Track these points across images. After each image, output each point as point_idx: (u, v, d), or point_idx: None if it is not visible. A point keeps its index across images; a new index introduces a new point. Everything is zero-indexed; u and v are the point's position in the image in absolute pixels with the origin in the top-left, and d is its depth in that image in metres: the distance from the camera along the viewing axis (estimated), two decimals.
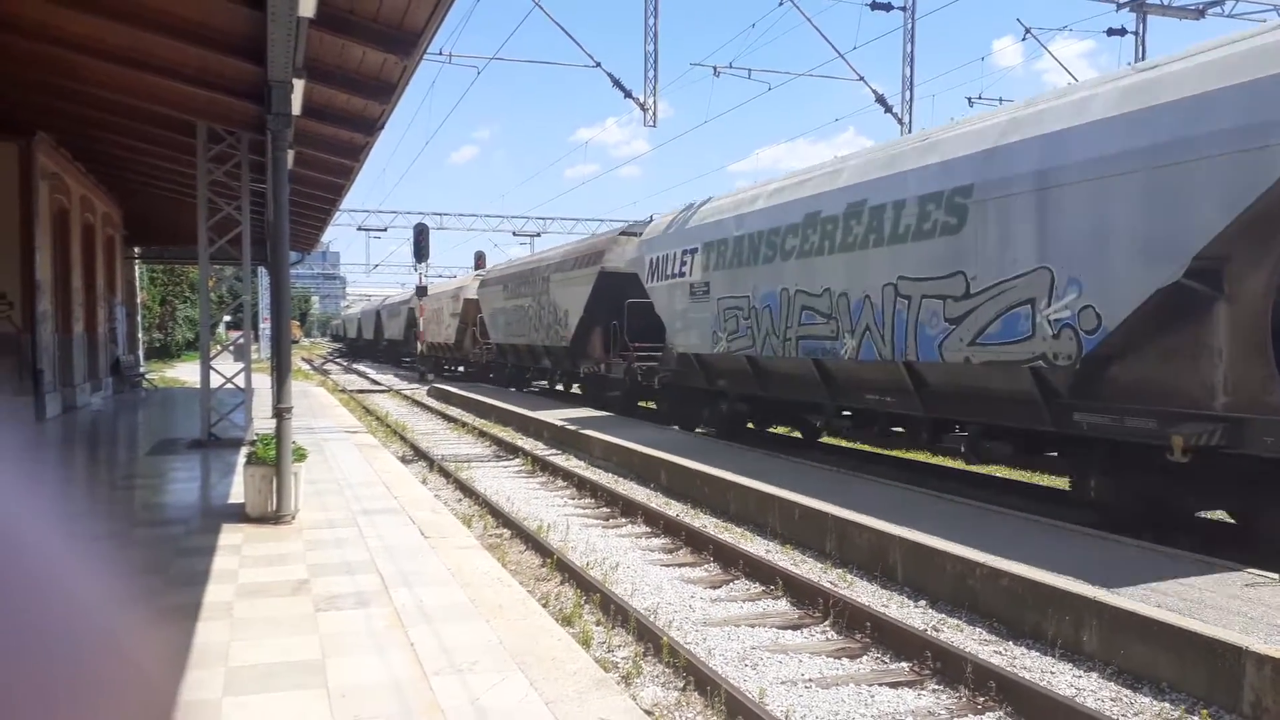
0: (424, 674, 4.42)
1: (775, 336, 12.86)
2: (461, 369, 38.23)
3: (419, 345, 40.25)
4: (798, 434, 16.16)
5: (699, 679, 5.44)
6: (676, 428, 16.62)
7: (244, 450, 11.56)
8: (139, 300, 31.55)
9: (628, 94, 18.94)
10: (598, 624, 6.63)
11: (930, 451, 13.53)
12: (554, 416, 18.32)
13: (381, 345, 56.62)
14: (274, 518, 7.75)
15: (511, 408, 20.70)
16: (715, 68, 21.23)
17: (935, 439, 11.27)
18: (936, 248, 9.78)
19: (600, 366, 20.13)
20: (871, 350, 10.83)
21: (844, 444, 16.01)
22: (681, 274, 15.62)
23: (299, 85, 8.27)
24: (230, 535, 7.31)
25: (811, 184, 12.48)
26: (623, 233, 20.60)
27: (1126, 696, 5.30)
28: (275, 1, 6.38)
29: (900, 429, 12.57)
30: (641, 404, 20.28)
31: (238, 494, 8.83)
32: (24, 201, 14.86)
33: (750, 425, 15.97)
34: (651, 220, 18.91)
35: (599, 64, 19.32)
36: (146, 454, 12.06)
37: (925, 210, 9.91)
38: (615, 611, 6.71)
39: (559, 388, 26.92)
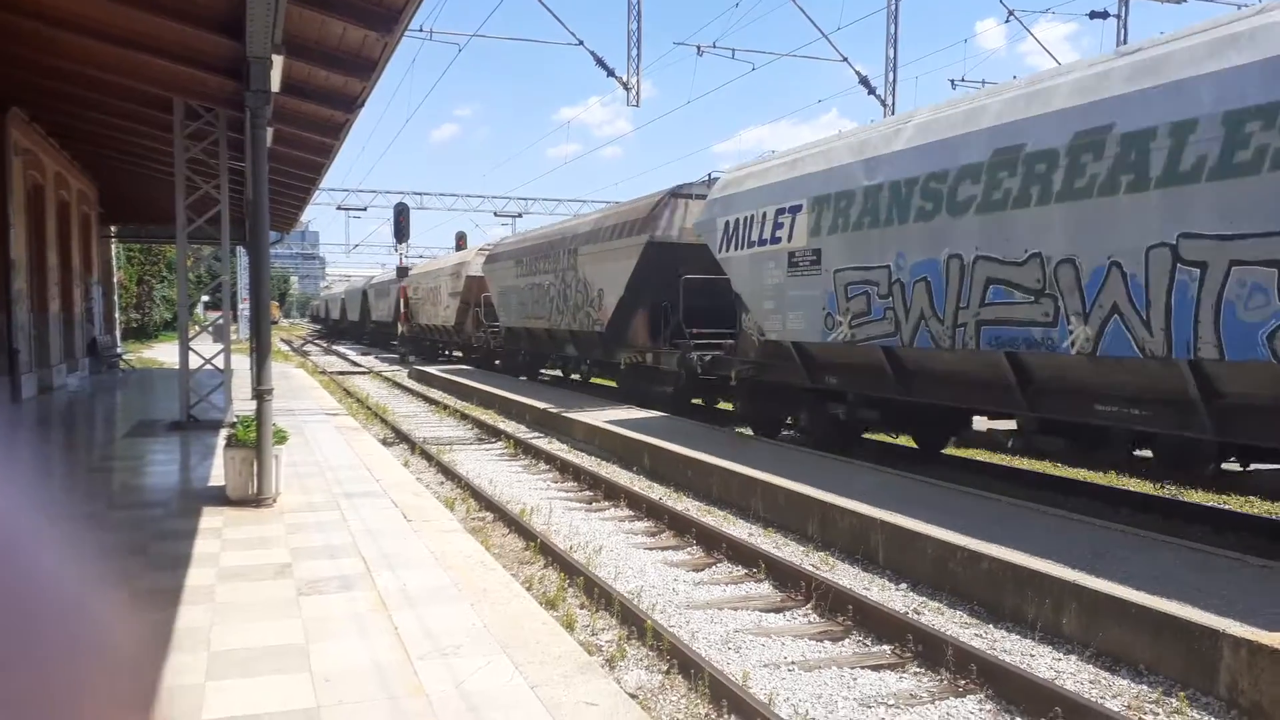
0: (408, 658, 4.41)
1: (937, 321, 9.61)
2: (459, 354, 35.07)
3: (400, 327, 39.63)
4: (913, 444, 12.94)
5: (683, 662, 5.45)
6: (750, 432, 14.09)
7: (224, 432, 11.47)
8: (115, 279, 31.17)
9: (610, 72, 18.82)
10: (581, 607, 6.63)
11: (1218, 491, 10.47)
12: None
13: (368, 327, 53.73)
14: (255, 500, 7.70)
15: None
16: (699, 47, 21.12)
17: (1220, 472, 8.74)
18: (1261, 189, 6.60)
19: (645, 356, 17.04)
20: (1124, 342, 7.69)
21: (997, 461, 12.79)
22: (775, 239, 12.24)
23: (278, 61, 8.14)
24: (211, 518, 7.25)
25: (1000, 107, 9.09)
26: (674, 193, 17.05)
27: (1105, 679, 5.36)
28: None
29: (1147, 452, 9.70)
30: (696, 401, 17.36)
31: (218, 476, 8.76)
32: None
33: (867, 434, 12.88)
34: (713, 179, 15.55)
35: (581, 42, 19.20)
36: (125, 435, 11.94)
37: (1239, 132, 6.74)
38: (599, 595, 6.72)
39: (574, 377, 23.92)
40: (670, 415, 15.45)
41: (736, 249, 13.28)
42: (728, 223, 13.49)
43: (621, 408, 16.75)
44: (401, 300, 38.61)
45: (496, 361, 28.60)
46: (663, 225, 16.84)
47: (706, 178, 16.39)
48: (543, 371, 26.02)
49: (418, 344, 38.60)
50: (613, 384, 20.77)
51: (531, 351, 24.62)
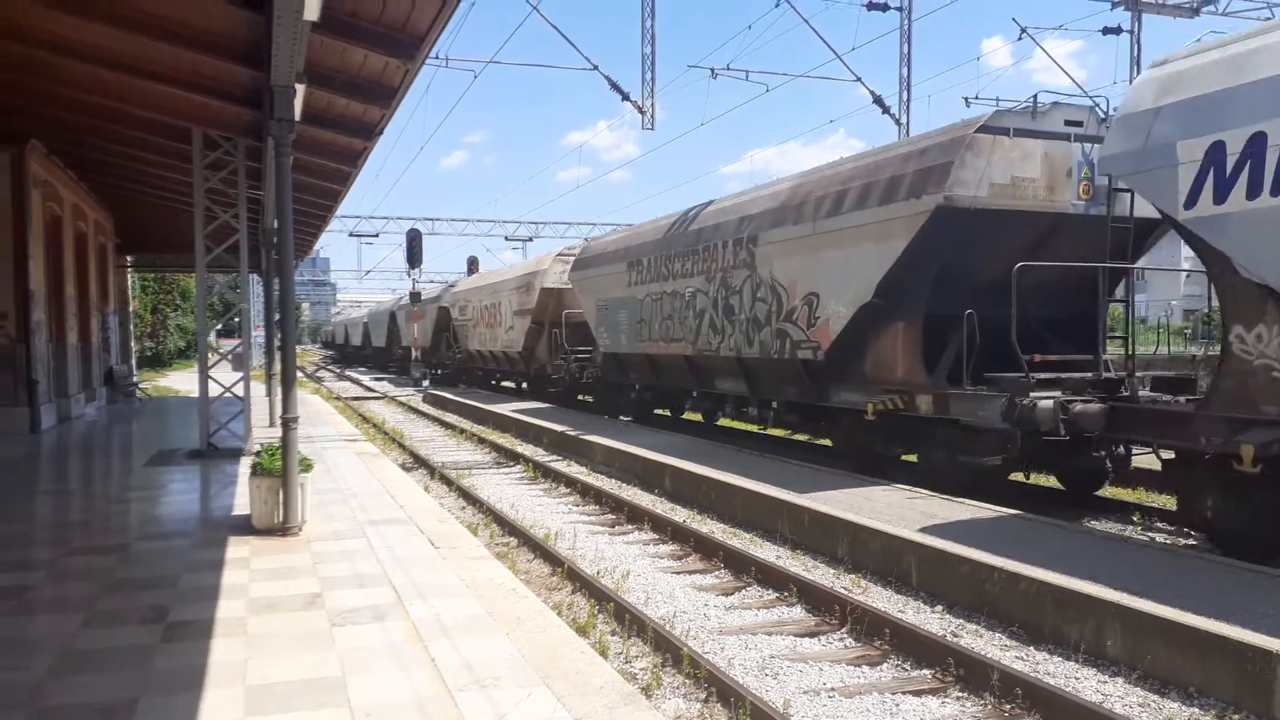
0: (448, 690, 4.33)
1: None
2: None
3: (414, 352, 39.25)
4: None
5: (721, 690, 5.36)
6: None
7: (245, 460, 11.44)
8: (131, 309, 31.32)
9: (625, 96, 18.87)
10: (613, 634, 6.54)
11: None
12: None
13: (396, 354, 46.18)
14: (281, 529, 7.64)
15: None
16: (713, 69, 21.19)
17: None
18: None
19: (903, 400, 10.69)
20: None
21: None
22: None
23: (299, 90, 8.16)
24: (238, 548, 7.20)
25: None
26: (983, 128, 10.00)
27: (1155, 701, 5.25)
28: (280, 5, 6.27)
29: None
30: (1016, 477, 11.34)
31: (241, 505, 8.72)
32: (16, 210, 14.71)
33: None
34: (1047, 103, 10.23)
35: (596, 67, 19.25)
36: (145, 465, 11.91)
37: None
38: (630, 621, 6.63)
39: (726, 423, 18.03)
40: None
41: (1257, 195, 7.03)
42: (1217, 148, 7.28)
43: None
44: (415, 323, 38.41)
45: (582, 397, 23.70)
46: (965, 177, 9.94)
47: (1032, 101, 10.24)
48: (658, 411, 19.61)
49: (467, 374, 33.70)
50: (818, 441, 14.74)
51: (651, 386, 18.49)
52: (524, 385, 28.88)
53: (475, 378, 33.11)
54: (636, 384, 19.01)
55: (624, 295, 18.32)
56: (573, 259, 22.53)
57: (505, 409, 21.84)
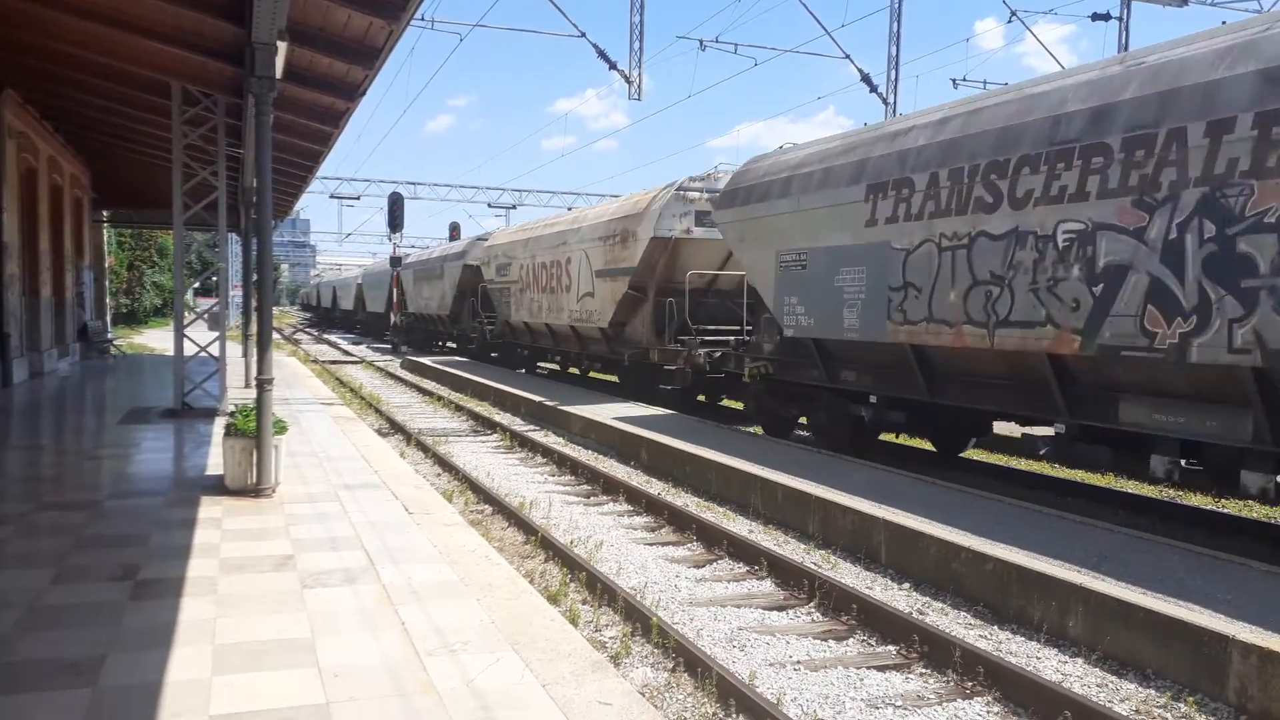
0: (416, 654, 4.35)
1: None
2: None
3: (394, 316, 38.65)
4: None
5: (689, 660, 5.42)
6: None
7: (219, 420, 11.38)
8: (106, 265, 30.93)
9: (613, 65, 18.70)
10: (584, 602, 6.59)
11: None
12: None
13: (406, 318, 38.20)
14: (254, 490, 7.62)
15: None
16: (701, 41, 21.01)
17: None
18: None
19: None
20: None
21: None
22: None
23: (281, 48, 8.04)
24: (210, 508, 7.18)
25: None
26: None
27: (1113, 682, 5.35)
28: None
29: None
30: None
31: (215, 465, 8.68)
32: None
33: None
34: None
35: (584, 34, 19.03)
36: (118, 422, 11.83)
37: None
38: (602, 591, 6.68)
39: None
40: None
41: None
42: None
43: None
44: (394, 288, 37.93)
45: (726, 400, 17.87)
46: None
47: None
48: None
49: (504, 352, 27.29)
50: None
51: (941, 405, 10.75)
52: (587, 371, 21.64)
53: (514, 356, 26.02)
54: (889, 395, 11.06)
55: (858, 242, 10.96)
56: (706, 193, 15.96)
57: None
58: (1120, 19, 20.55)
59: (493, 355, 28.11)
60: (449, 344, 33.85)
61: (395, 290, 37.77)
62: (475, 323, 29.04)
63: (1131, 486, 11.15)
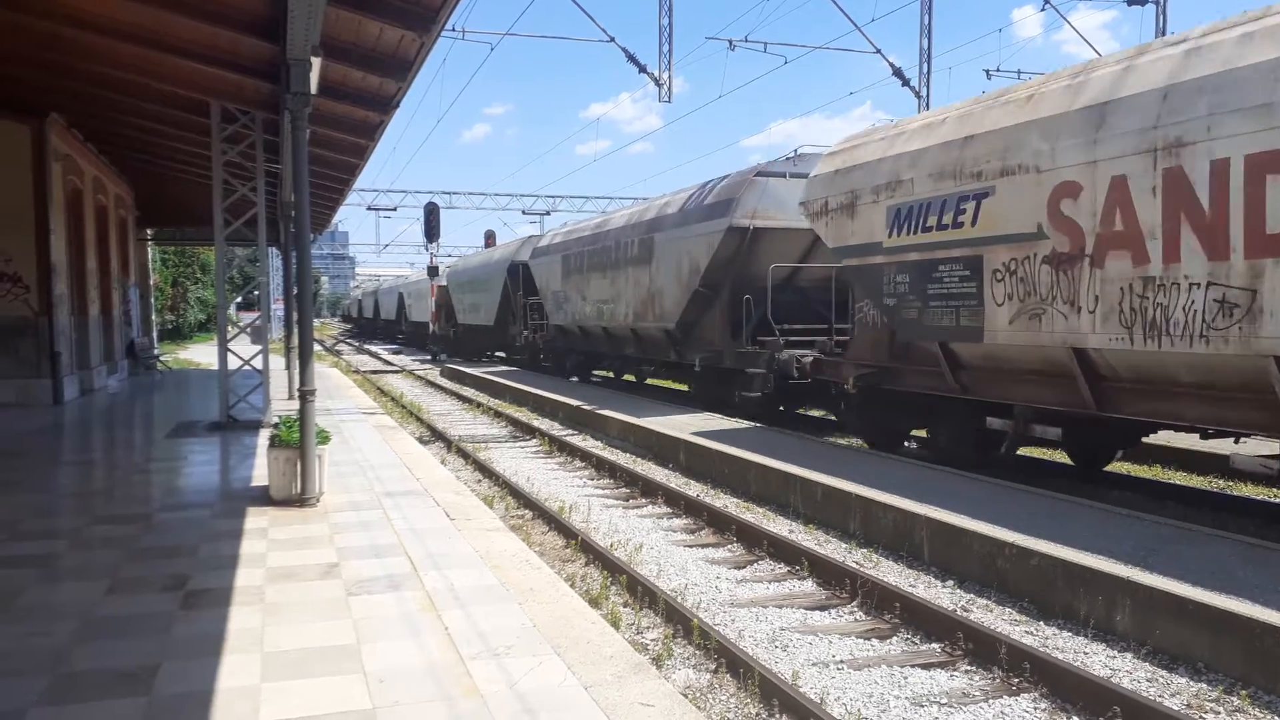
0: (460, 658, 4.40)
1: None
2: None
3: (432, 325, 38.97)
4: None
5: (731, 661, 5.42)
6: None
7: (264, 432, 11.57)
8: (151, 282, 31.57)
9: (642, 69, 18.75)
10: (625, 605, 6.62)
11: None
12: None
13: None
14: (299, 500, 7.75)
15: None
16: (731, 41, 20.99)
17: None
18: None
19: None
20: None
21: None
22: None
23: (315, 63, 8.18)
24: (256, 518, 7.31)
25: None
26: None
27: (1163, 676, 5.27)
28: None
29: None
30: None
31: (260, 476, 8.84)
32: (38, 183, 14.84)
33: None
34: None
35: (613, 39, 19.12)
36: (166, 436, 12.08)
37: None
38: (642, 593, 6.70)
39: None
40: None
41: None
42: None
43: None
44: (431, 297, 38.34)
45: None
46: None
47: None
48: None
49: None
50: None
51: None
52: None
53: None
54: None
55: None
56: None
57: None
58: (1157, 3, 20.21)
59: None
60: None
61: (433, 300, 38.11)
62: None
63: (1179, 478, 10.95)
